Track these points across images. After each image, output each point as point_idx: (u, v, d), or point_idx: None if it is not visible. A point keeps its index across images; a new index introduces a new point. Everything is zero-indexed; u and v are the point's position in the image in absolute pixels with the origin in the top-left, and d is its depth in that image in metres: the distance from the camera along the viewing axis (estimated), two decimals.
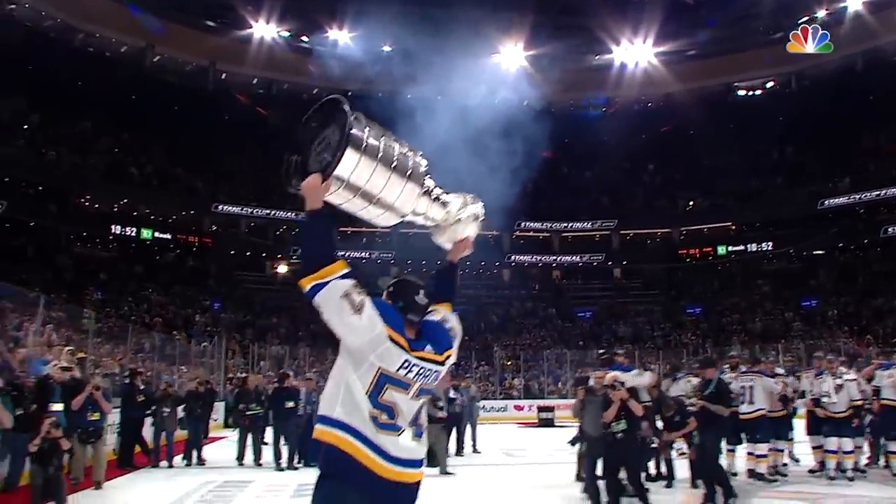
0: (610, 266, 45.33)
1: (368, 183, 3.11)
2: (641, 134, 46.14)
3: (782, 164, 42.51)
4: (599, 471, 8.22)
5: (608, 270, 45.46)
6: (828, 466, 10.06)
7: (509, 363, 33.15)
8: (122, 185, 37.75)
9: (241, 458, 12.75)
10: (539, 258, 45.07)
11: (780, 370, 12.20)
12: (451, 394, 12.85)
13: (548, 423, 23.89)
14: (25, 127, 35.35)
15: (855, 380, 10.19)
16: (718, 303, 39.44)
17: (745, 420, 10.00)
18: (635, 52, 46.32)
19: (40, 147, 35.09)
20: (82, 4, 40.25)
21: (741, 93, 49.33)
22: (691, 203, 45.17)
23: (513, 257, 43.83)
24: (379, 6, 33.20)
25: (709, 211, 44.07)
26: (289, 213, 40.51)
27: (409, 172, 3.20)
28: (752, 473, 10.16)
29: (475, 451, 15.26)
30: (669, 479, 9.92)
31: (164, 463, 12.58)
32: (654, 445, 9.75)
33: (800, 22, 40.72)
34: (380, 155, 3.10)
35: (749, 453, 10.28)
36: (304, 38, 45.52)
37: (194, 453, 12.98)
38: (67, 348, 12.49)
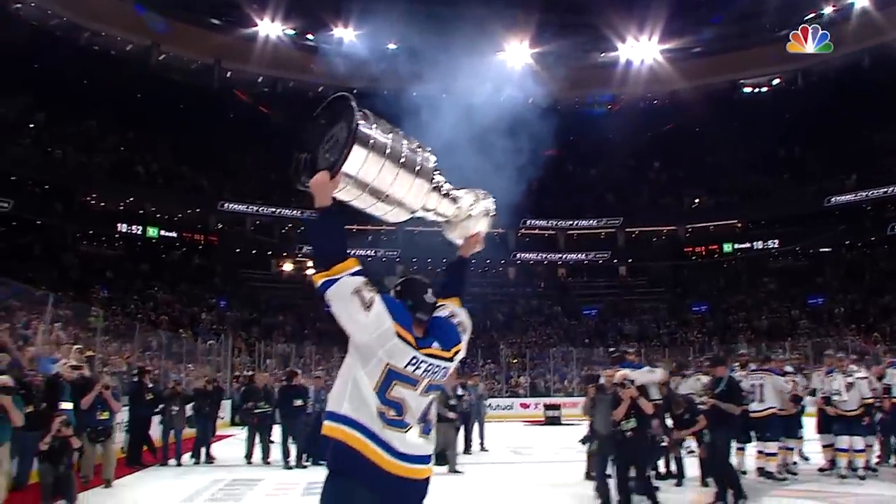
0: (615, 264, 45.26)
1: (377, 179, 3.12)
2: (647, 131, 46.10)
3: (788, 162, 42.35)
4: (609, 469, 8.21)
5: (614, 268, 45.41)
6: (839, 465, 10.02)
7: (515, 361, 33.12)
8: (127, 184, 37.79)
9: (249, 456, 12.77)
10: (544, 256, 45.01)
11: (788, 368, 12.15)
12: (459, 391, 12.82)
13: (554, 422, 23.86)
14: (31, 126, 35.42)
15: (866, 378, 10.15)
16: (724, 300, 39.37)
17: (755, 418, 9.95)
18: (641, 50, 46.26)
19: (46, 146, 35.15)
20: (88, 3, 40.27)
21: (747, 90, 49.17)
22: (697, 201, 45.08)
23: (518, 255, 43.73)
24: (384, 4, 33.19)
25: (714, 208, 43.94)
26: (294, 212, 40.62)
27: (417, 168, 3.21)
28: (761, 472, 10.12)
29: (483, 449, 15.26)
30: (679, 477, 9.90)
31: (172, 461, 12.61)
32: (664, 444, 9.71)
33: (806, 18, 40.73)
34: (388, 151, 3.11)
35: (759, 452, 10.23)
36: (310, 36, 45.58)
37: (202, 451, 13.00)
38: (76, 347, 12.50)
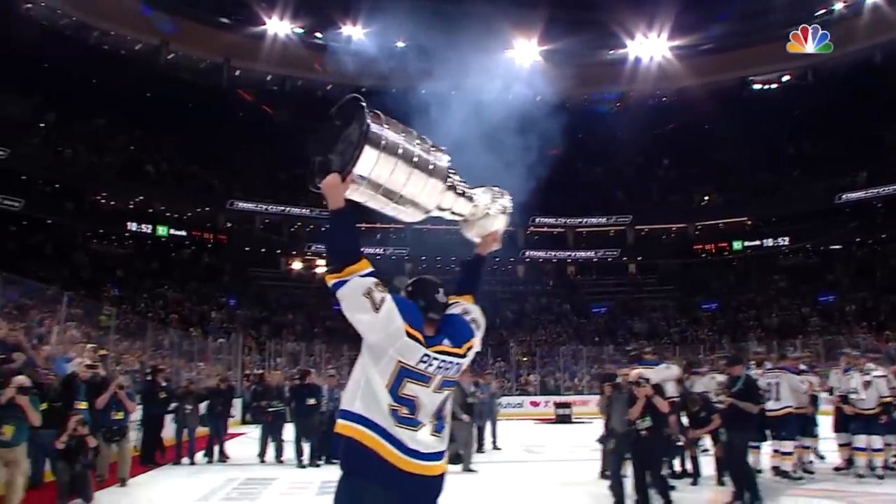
0: (625, 261, 45.19)
1: (389, 180, 3.13)
2: (656, 129, 45.92)
3: (799, 159, 42.14)
4: (624, 468, 8.18)
5: (623, 266, 45.33)
6: (857, 464, 9.96)
7: (525, 359, 33.10)
8: (137, 183, 37.95)
9: (262, 454, 12.77)
10: (553, 254, 44.95)
11: (803, 367, 12.06)
12: (471, 389, 12.79)
13: (565, 420, 23.81)
14: (42, 125, 35.57)
15: (884, 376, 10.07)
16: (734, 298, 39.22)
17: (771, 417, 9.88)
18: (650, 47, 46.13)
19: (56, 145, 35.31)
20: (97, 3, 40.37)
21: (756, 87, 48.95)
22: (706, 198, 44.97)
23: (527, 253, 43.64)
24: (393, 2, 33.10)
25: (724, 206, 43.80)
26: (303, 210, 40.69)
27: (431, 168, 3.22)
28: (777, 471, 10.04)
29: (495, 447, 15.22)
30: (695, 476, 9.84)
31: (185, 459, 12.62)
32: (680, 443, 9.67)
33: (817, 14, 40.54)
34: (400, 152, 3.11)
35: (775, 450, 10.16)
36: (318, 35, 45.56)
37: (216, 450, 13.02)
38: (90, 345, 12.54)
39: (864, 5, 40.15)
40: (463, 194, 3.47)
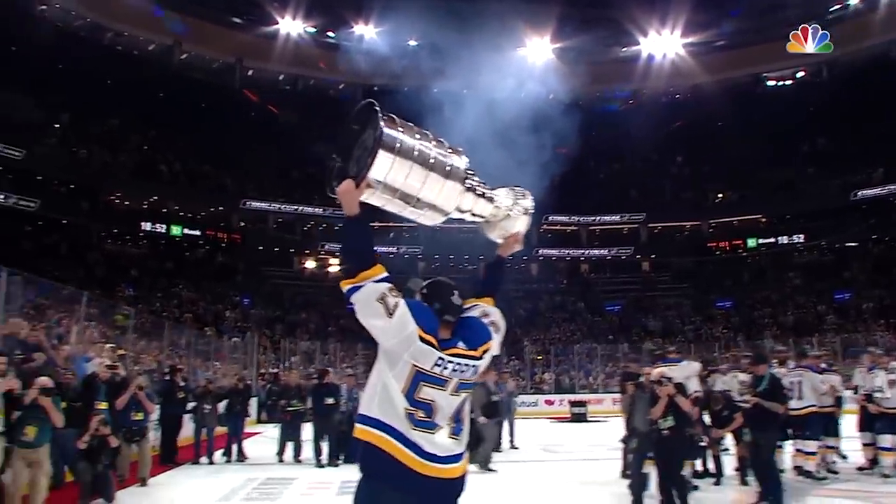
0: (638, 259, 45.07)
1: (405, 184, 3.12)
2: (669, 126, 45.73)
3: (813, 155, 41.90)
4: (646, 468, 8.13)
5: (636, 264, 45.20)
6: (882, 464, 9.85)
7: (539, 358, 33.03)
8: (151, 183, 38.14)
9: (281, 454, 12.77)
10: (567, 252, 44.89)
11: (823, 366, 11.94)
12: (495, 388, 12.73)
13: (580, 419, 23.71)
14: (57, 125, 35.78)
15: None
16: (749, 296, 39.01)
17: (794, 416, 9.77)
18: (663, 44, 46.01)
19: (71, 146, 35.50)
20: (111, 4, 40.61)
21: (770, 83, 48.67)
22: (720, 195, 44.79)
23: (540, 251, 43.54)
24: (405, 0, 33.19)
25: (738, 203, 43.62)
26: (316, 209, 40.80)
27: (447, 170, 3.19)
28: (800, 471, 9.94)
29: (513, 446, 15.17)
30: (718, 476, 9.75)
31: (204, 459, 12.63)
32: (703, 443, 9.59)
33: (832, 9, 40.24)
34: (415, 155, 3.09)
35: (797, 450, 10.05)
36: (331, 34, 45.68)
37: (234, 449, 13.03)
38: (109, 345, 12.56)
39: (880, 0, 39.76)
40: (483, 195, 3.44)
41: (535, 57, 42.93)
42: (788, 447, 10.12)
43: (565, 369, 31.64)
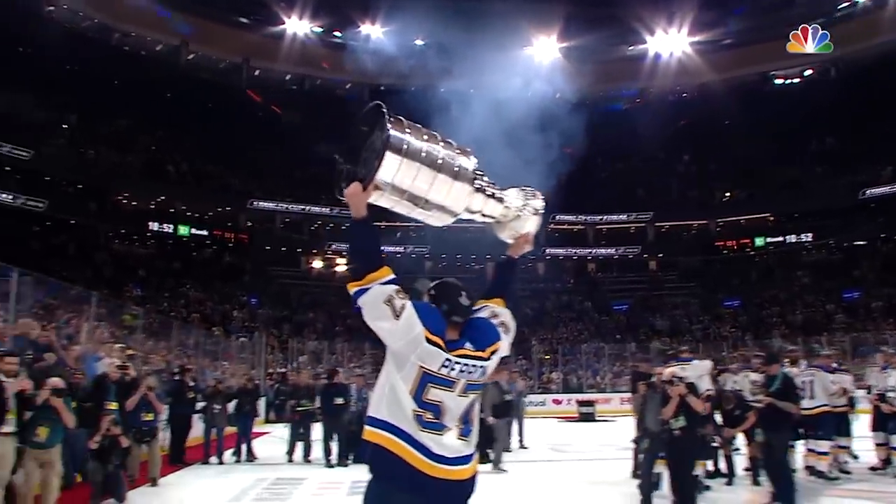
0: (645, 258, 44.97)
1: (413, 186, 3.12)
2: (676, 125, 45.61)
3: (821, 154, 41.70)
4: (658, 468, 8.10)
5: (644, 263, 45.09)
6: (895, 464, 9.78)
7: (547, 357, 32.98)
8: (158, 183, 38.24)
9: (290, 454, 12.77)
10: (574, 251, 44.81)
11: (835, 365, 11.87)
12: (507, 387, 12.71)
13: (588, 418, 23.69)
14: (65, 126, 35.90)
15: None
16: (757, 295, 38.88)
17: (806, 416, 9.70)
18: (670, 42, 45.93)
19: (79, 146, 35.61)
20: (118, 5, 40.71)
21: (778, 81, 48.48)
22: (728, 194, 44.63)
23: (547, 250, 43.44)
24: (412, 0, 33.17)
25: (746, 202, 43.47)
26: (323, 209, 40.81)
27: (456, 172, 3.19)
28: (811, 471, 9.88)
29: (522, 446, 15.15)
30: (730, 476, 9.70)
31: (213, 459, 12.64)
32: (715, 444, 9.54)
33: (840, 7, 40.06)
34: (422, 157, 3.09)
35: (809, 450, 9.99)
36: (337, 34, 45.72)
37: (244, 449, 13.04)
38: (118, 345, 12.58)
39: None
40: (493, 196, 3.43)
41: (541, 56, 42.91)
42: (800, 447, 10.08)
43: (573, 369, 31.60)
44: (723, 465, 9.90)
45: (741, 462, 9.89)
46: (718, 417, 9.51)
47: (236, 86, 45.72)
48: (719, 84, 45.99)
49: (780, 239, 42.03)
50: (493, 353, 3.14)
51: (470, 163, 3.25)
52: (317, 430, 12.86)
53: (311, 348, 29.96)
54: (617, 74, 47.67)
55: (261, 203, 40.91)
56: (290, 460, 12.66)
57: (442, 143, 3.18)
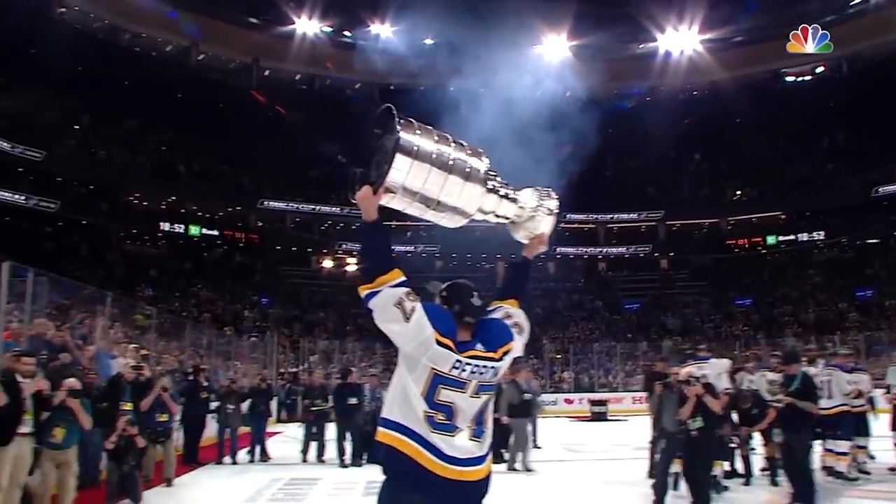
0: (656, 257, 44.83)
1: (424, 188, 3.11)
2: (686, 123, 45.43)
3: (833, 152, 41.46)
4: (674, 468, 8.05)
5: (655, 262, 44.94)
6: None
7: (558, 356, 32.91)
8: (169, 183, 38.38)
9: (305, 453, 12.77)
10: (584, 250, 44.70)
11: (851, 364, 11.75)
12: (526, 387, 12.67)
13: (600, 418, 23.63)
14: (76, 127, 36.04)
15: None
16: (769, 294, 38.72)
17: (824, 416, 9.60)
18: (680, 40, 45.73)
19: (91, 147, 35.75)
20: (128, 6, 40.83)
21: (789, 79, 48.22)
22: (739, 192, 44.44)
23: (558, 249, 43.30)
24: None
25: (757, 200, 43.30)
26: (334, 208, 40.84)
27: (467, 173, 3.17)
28: (830, 471, 9.79)
29: (536, 446, 15.08)
30: (747, 476, 9.63)
31: (227, 459, 12.64)
32: (732, 445, 9.46)
33: (852, 3, 39.80)
34: (433, 158, 3.08)
35: (827, 450, 9.89)
36: (347, 33, 45.73)
37: (258, 449, 13.04)
38: (133, 345, 12.59)
39: None
40: (506, 197, 3.41)
41: (551, 55, 42.81)
42: (817, 447, 9.98)
43: (584, 368, 31.53)
44: (740, 466, 9.83)
45: (758, 462, 9.81)
46: (735, 416, 9.43)
47: (246, 86, 45.81)
48: (730, 82, 45.76)
49: (792, 237, 41.87)
50: (504, 353, 3.13)
51: (482, 164, 3.23)
52: (330, 430, 12.85)
53: (321, 348, 29.99)
54: (627, 73, 47.46)
55: (271, 203, 40.99)
56: (305, 460, 12.66)
57: (454, 145, 3.16)
